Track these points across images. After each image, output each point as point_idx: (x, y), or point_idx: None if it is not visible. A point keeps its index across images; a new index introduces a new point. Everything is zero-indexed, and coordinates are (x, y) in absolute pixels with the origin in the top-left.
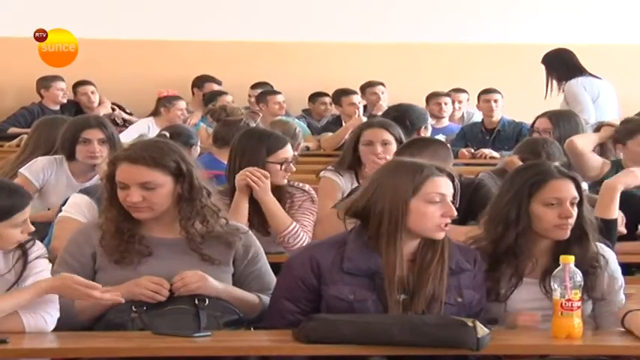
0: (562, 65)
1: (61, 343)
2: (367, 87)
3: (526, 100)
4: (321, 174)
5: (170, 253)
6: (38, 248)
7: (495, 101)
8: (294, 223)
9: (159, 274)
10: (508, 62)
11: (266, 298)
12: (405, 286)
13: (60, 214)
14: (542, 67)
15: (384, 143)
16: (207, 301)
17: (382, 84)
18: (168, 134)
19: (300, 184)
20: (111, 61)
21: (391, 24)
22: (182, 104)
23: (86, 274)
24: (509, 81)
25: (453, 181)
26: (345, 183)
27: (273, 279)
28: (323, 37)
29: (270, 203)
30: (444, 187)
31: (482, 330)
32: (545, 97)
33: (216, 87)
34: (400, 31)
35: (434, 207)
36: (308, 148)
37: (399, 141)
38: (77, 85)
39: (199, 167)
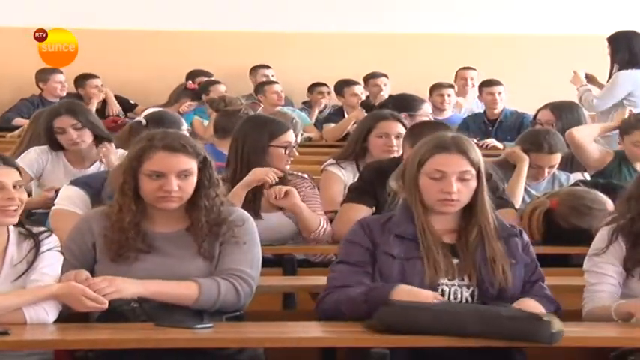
0: (625, 49)
1: (62, 334)
2: (370, 78)
3: (528, 91)
4: (323, 166)
5: (168, 248)
6: (51, 241)
7: (499, 94)
8: (321, 219)
9: (154, 270)
10: (510, 53)
11: (207, 281)
12: (457, 251)
13: (53, 208)
14: (544, 57)
15: (398, 136)
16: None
17: (385, 75)
18: (144, 121)
19: (296, 172)
20: (107, 53)
21: (393, 14)
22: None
23: (87, 261)
24: (512, 71)
25: (468, 158)
26: (346, 175)
27: (248, 263)
28: (325, 27)
29: (304, 209)
30: (446, 165)
31: (558, 324)
32: (610, 75)
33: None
34: (402, 21)
35: (434, 182)
36: (310, 139)
37: None
38: (83, 79)
39: None
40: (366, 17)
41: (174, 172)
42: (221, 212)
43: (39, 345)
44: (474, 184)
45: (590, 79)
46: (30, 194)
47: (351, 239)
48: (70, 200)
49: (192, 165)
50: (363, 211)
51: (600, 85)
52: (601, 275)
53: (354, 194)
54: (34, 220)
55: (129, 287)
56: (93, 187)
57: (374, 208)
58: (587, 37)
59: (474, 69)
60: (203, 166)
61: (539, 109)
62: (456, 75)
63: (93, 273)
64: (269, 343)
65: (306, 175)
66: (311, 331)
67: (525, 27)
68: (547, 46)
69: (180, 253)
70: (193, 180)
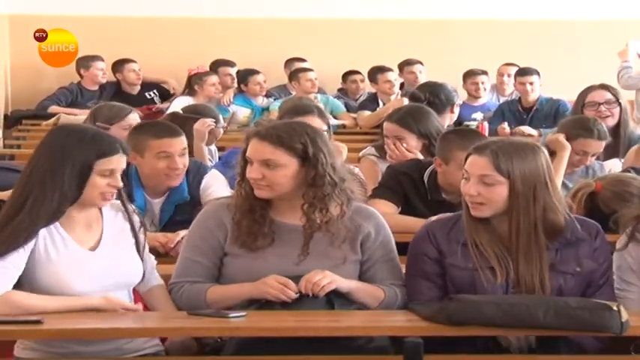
0: None
1: (96, 323)
2: (405, 65)
3: (563, 77)
4: (362, 153)
5: (298, 240)
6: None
7: (531, 84)
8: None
9: (287, 262)
10: (546, 39)
11: (390, 291)
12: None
13: None
14: (580, 43)
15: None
16: (335, 305)
17: (420, 62)
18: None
19: (350, 167)
20: (145, 40)
21: (428, 1)
22: (214, 79)
23: (216, 257)
24: (547, 57)
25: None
26: (382, 164)
27: (401, 268)
28: (359, 14)
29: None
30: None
31: (625, 314)
32: None
33: (230, 70)
34: (438, 7)
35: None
36: (344, 126)
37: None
38: (122, 63)
39: (331, 152)
40: (401, 3)
41: (258, 159)
42: (349, 206)
43: (70, 334)
44: (501, 189)
45: None
46: None
47: (420, 250)
48: None
49: (279, 156)
50: (390, 207)
51: None
52: (626, 283)
53: (382, 191)
54: None
55: None
56: None
57: (400, 207)
58: (624, 21)
59: (517, 65)
60: (307, 161)
61: (588, 92)
62: (498, 71)
63: (222, 265)
64: (303, 332)
65: (357, 169)
66: (344, 321)
67: (561, 13)
68: (583, 31)
69: (309, 245)
70: (284, 172)
